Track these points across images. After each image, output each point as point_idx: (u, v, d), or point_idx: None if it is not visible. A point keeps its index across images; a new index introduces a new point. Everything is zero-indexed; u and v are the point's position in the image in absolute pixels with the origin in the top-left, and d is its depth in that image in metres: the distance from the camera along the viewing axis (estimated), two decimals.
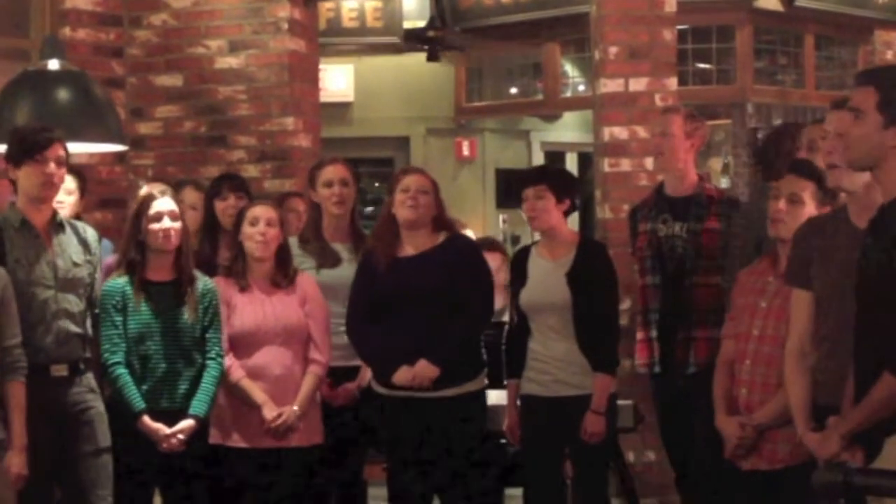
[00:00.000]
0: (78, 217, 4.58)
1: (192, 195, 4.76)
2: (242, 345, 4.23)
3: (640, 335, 4.72)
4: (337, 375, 4.41)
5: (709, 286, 4.48)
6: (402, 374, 4.15)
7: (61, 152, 3.95)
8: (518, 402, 4.35)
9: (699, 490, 4.49)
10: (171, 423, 4.01)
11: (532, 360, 4.28)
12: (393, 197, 4.27)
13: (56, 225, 4.00)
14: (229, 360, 4.19)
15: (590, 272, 4.24)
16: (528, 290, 4.31)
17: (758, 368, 3.64)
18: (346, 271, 4.48)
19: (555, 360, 4.22)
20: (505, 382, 4.41)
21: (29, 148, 3.88)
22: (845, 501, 2.92)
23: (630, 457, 5.25)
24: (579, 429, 4.16)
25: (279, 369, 4.22)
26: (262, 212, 4.26)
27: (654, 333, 4.65)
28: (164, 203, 4.09)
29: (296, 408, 4.18)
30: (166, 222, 4.06)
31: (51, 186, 3.94)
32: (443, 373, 4.13)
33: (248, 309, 4.24)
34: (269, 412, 4.15)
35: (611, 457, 4.46)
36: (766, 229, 3.88)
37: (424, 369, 4.13)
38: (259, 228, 4.23)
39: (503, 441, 4.45)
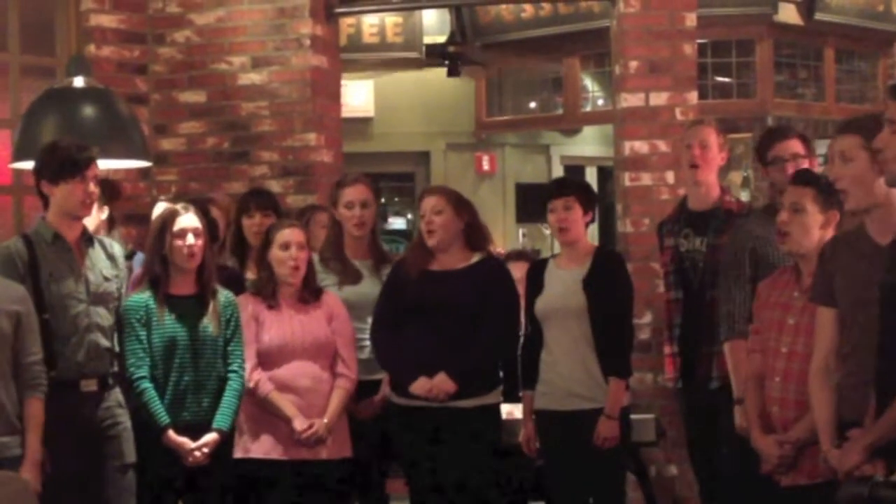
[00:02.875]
0: (111, 226, 4.64)
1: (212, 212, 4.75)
2: (271, 359, 4.26)
3: (666, 350, 4.72)
4: (359, 389, 4.43)
5: None
6: (420, 385, 4.19)
7: (97, 171, 4.01)
8: (533, 415, 4.36)
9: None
10: (194, 436, 4.03)
11: (544, 372, 4.30)
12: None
13: (86, 240, 4.04)
14: (258, 375, 4.22)
15: (605, 279, 4.27)
16: (543, 297, 4.33)
17: (789, 385, 3.60)
18: (367, 288, 4.50)
19: (568, 371, 4.24)
20: (520, 394, 4.42)
21: (71, 166, 3.91)
22: None
23: (652, 471, 5.24)
24: (592, 442, 4.16)
25: (307, 382, 4.25)
26: (292, 236, 4.28)
27: (676, 348, 4.65)
28: (188, 219, 4.11)
29: (325, 420, 4.21)
30: (190, 239, 4.08)
31: (89, 205, 3.99)
32: (460, 387, 4.16)
33: (277, 324, 4.27)
34: (300, 424, 4.18)
35: (624, 471, 4.44)
36: (753, 242, 4.02)
37: (443, 383, 4.17)
38: (291, 253, 4.26)
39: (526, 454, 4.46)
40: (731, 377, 4.16)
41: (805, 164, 4.27)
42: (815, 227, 3.62)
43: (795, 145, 4.39)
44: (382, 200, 9.53)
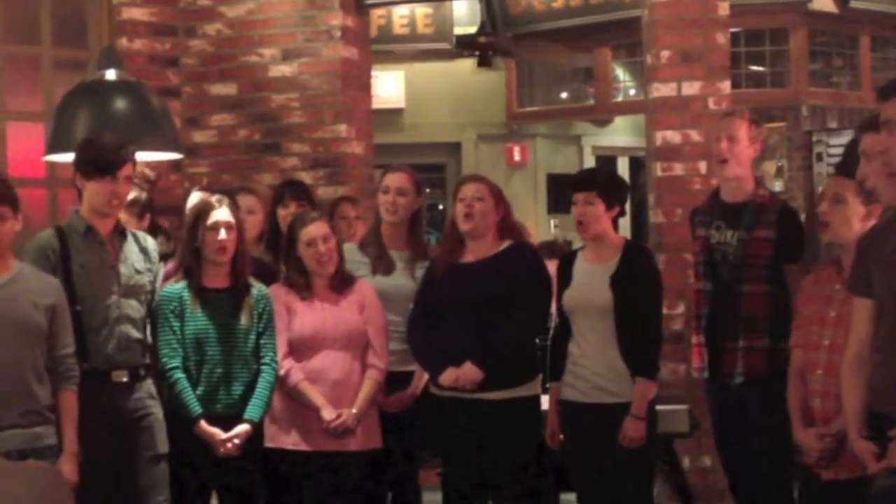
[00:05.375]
0: (154, 229, 4.65)
1: (245, 200, 4.73)
2: (302, 349, 4.26)
3: (694, 339, 4.69)
4: (390, 380, 4.42)
5: (756, 295, 4.42)
6: (448, 375, 4.20)
7: (131, 170, 4.02)
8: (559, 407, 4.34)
9: (753, 498, 4.44)
10: (225, 428, 4.04)
11: (572, 364, 4.27)
12: (454, 208, 4.33)
13: (119, 233, 4.06)
14: (288, 364, 4.23)
15: (634, 276, 4.23)
16: (571, 291, 4.30)
17: (831, 378, 3.57)
18: (399, 280, 4.50)
19: (594, 366, 4.21)
20: (547, 385, 4.41)
21: (103, 165, 3.93)
22: None
23: (686, 462, 5.22)
24: (618, 437, 4.14)
25: (338, 373, 4.25)
26: (315, 231, 4.27)
27: (703, 339, 4.62)
28: (221, 213, 4.12)
29: (354, 410, 4.21)
30: (222, 233, 4.10)
31: (118, 204, 4.01)
32: (489, 376, 4.15)
33: (309, 314, 4.27)
34: (329, 414, 4.18)
35: (652, 465, 4.42)
36: None
37: (469, 372, 4.17)
38: (317, 249, 4.26)
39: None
40: None
41: None
42: (855, 219, 3.60)
43: None
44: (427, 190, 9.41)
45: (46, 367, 3.69)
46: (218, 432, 4.02)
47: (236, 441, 4.04)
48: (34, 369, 3.66)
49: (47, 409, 3.69)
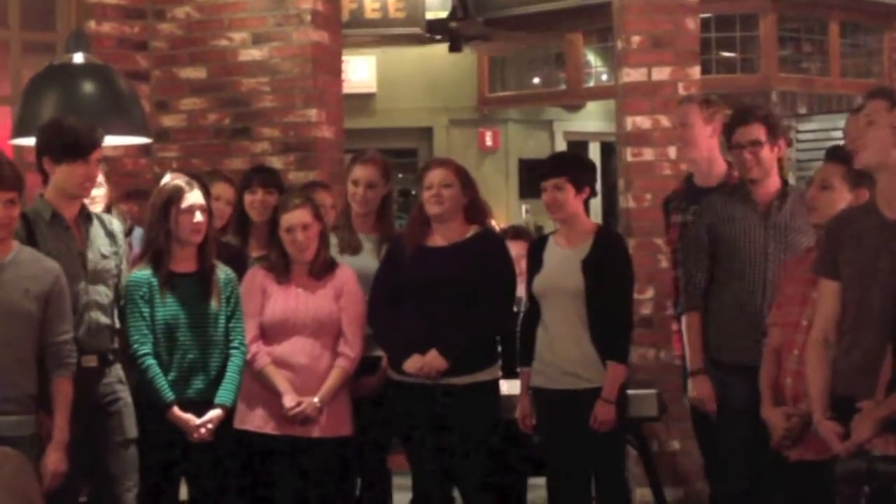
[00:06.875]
0: (109, 207, 4.63)
1: (226, 190, 4.70)
2: (272, 334, 4.26)
3: (675, 327, 4.70)
4: (359, 364, 4.41)
5: None
6: (412, 363, 4.20)
7: (101, 154, 3.99)
8: (530, 391, 4.35)
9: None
10: (198, 413, 4.03)
11: (541, 350, 4.28)
12: (421, 192, 4.32)
13: (85, 217, 4.03)
14: (256, 347, 4.22)
15: (606, 261, 4.24)
16: (542, 275, 4.31)
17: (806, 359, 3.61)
18: (365, 260, 4.49)
19: (564, 351, 4.22)
20: (518, 370, 4.42)
21: (76, 148, 3.88)
22: (869, 489, 2.93)
23: (654, 446, 5.25)
24: (588, 422, 4.15)
25: (305, 359, 4.24)
26: (294, 219, 4.26)
27: None
28: (195, 196, 4.10)
29: (316, 400, 4.20)
30: (198, 216, 4.07)
31: (89, 187, 3.99)
32: (453, 364, 4.16)
33: (282, 298, 4.27)
34: (290, 401, 4.18)
35: (622, 447, 4.44)
36: (712, 219, 4.15)
37: (434, 360, 4.17)
38: (295, 237, 4.25)
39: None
40: (686, 349, 4.24)
41: (765, 151, 4.16)
42: (841, 204, 3.63)
43: (757, 131, 4.20)
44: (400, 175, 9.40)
45: (39, 355, 3.67)
46: (192, 418, 4.01)
47: (210, 426, 4.03)
48: (18, 357, 3.63)
49: (30, 398, 3.66)
